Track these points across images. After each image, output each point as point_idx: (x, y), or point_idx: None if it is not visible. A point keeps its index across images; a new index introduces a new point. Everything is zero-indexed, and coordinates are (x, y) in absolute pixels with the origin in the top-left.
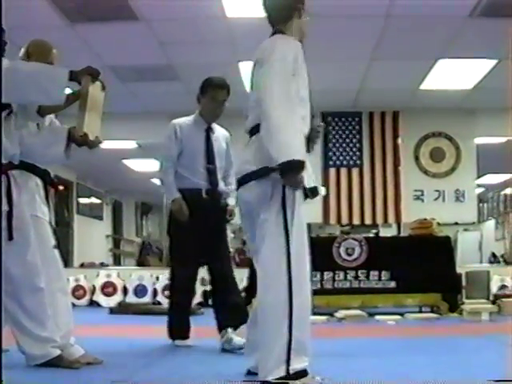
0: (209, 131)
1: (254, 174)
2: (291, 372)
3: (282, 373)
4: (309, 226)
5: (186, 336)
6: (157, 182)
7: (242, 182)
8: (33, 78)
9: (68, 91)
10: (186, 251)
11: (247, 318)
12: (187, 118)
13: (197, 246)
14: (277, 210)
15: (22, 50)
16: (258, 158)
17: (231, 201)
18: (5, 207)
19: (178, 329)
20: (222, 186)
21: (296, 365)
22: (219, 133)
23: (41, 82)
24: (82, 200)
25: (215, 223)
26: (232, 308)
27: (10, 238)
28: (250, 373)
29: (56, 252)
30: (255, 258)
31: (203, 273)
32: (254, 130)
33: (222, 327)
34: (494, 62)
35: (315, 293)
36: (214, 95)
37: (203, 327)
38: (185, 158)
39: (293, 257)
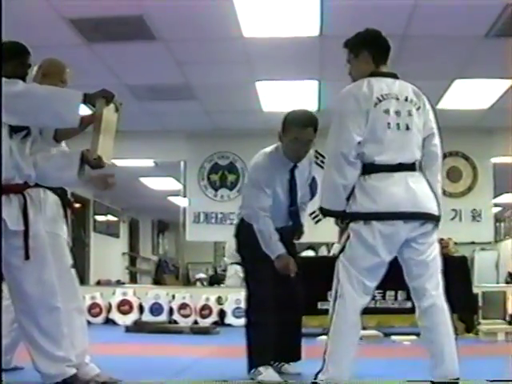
0: (293, 170)
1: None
2: None
3: None
4: (326, 245)
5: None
6: (173, 199)
7: None
8: (46, 101)
9: (85, 112)
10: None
11: None
12: (268, 154)
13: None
14: None
15: (35, 69)
16: None
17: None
18: (21, 227)
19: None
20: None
21: None
22: (304, 160)
23: (54, 106)
24: (99, 218)
25: (288, 244)
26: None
27: (27, 257)
28: None
29: (72, 271)
30: None
31: (219, 292)
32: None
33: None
34: (510, 82)
35: None
36: (298, 136)
37: (220, 346)
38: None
39: None
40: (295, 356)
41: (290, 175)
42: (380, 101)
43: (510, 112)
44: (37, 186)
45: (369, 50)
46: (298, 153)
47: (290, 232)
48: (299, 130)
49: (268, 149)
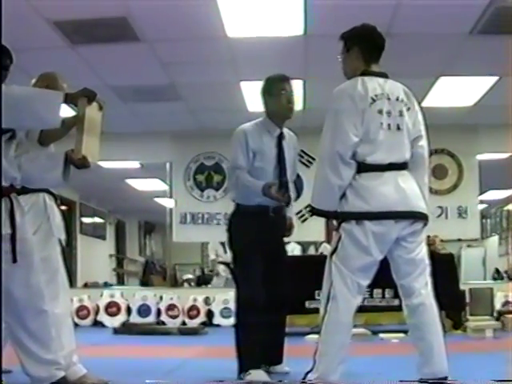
0: (281, 138)
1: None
2: None
3: None
4: (314, 244)
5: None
6: (160, 200)
7: None
8: (25, 102)
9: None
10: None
11: None
12: (254, 122)
13: (261, 264)
14: None
15: (32, 82)
16: None
17: (290, 212)
18: (8, 230)
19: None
20: (292, 200)
21: None
22: (290, 138)
23: (34, 107)
24: (85, 220)
25: (278, 242)
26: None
27: (14, 260)
28: None
29: (62, 271)
30: None
31: (207, 292)
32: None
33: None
34: (495, 79)
35: (319, 311)
36: (283, 87)
37: (209, 347)
38: (254, 171)
39: None
40: (278, 358)
41: (277, 141)
42: (374, 101)
43: (495, 109)
44: (41, 190)
45: (359, 47)
46: (289, 103)
47: (283, 230)
48: (283, 82)
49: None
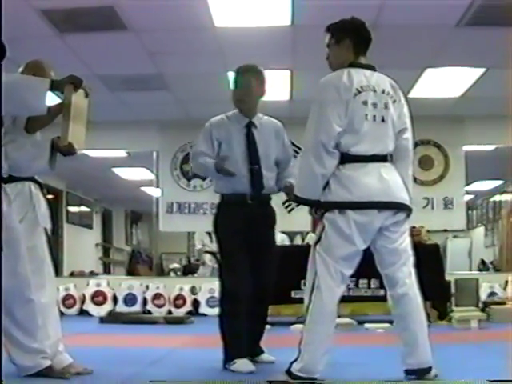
0: (250, 126)
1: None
2: None
3: None
4: (300, 233)
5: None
6: (146, 190)
7: None
8: (11, 89)
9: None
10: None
11: None
12: (224, 114)
13: (245, 254)
14: None
15: (20, 70)
16: None
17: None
18: None
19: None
20: (270, 187)
21: None
22: (266, 126)
23: (19, 93)
24: (72, 209)
25: (263, 232)
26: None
27: (0, 249)
28: None
29: (48, 261)
30: None
31: (193, 282)
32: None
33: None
34: (481, 71)
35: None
36: (237, 79)
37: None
38: (227, 162)
39: None
40: (258, 349)
41: (246, 130)
42: (359, 92)
43: (481, 100)
44: (26, 179)
45: (351, 39)
46: (238, 95)
47: (267, 217)
48: (238, 75)
49: None
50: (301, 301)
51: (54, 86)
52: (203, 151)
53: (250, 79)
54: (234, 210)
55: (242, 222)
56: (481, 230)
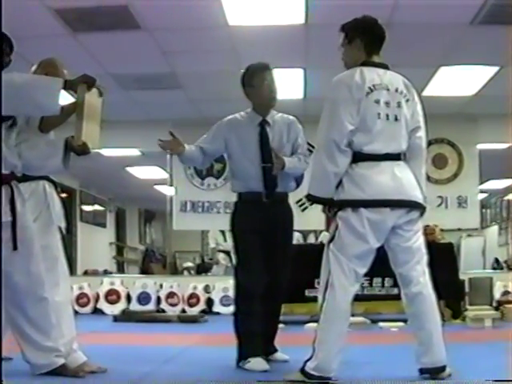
0: (263, 125)
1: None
2: None
3: None
4: (314, 232)
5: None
6: (160, 188)
7: None
8: (25, 89)
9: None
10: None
11: None
12: (238, 114)
13: (260, 253)
14: None
15: (33, 69)
16: None
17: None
18: (8, 217)
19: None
20: (284, 185)
21: None
22: (279, 122)
23: (33, 94)
24: (86, 207)
25: (278, 231)
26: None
27: (15, 247)
28: None
29: (62, 259)
30: None
31: (207, 280)
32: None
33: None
34: (495, 69)
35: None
36: (264, 77)
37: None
38: (240, 161)
39: None
40: (272, 348)
41: (260, 128)
42: (372, 91)
43: (495, 99)
44: (40, 178)
45: (361, 38)
46: (271, 93)
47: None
48: (263, 72)
49: None
50: (314, 299)
51: (68, 86)
52: (199, 142)
53: (273, 75)
54: (249, 209)
55: (258, 220)
56: (495, 228)
